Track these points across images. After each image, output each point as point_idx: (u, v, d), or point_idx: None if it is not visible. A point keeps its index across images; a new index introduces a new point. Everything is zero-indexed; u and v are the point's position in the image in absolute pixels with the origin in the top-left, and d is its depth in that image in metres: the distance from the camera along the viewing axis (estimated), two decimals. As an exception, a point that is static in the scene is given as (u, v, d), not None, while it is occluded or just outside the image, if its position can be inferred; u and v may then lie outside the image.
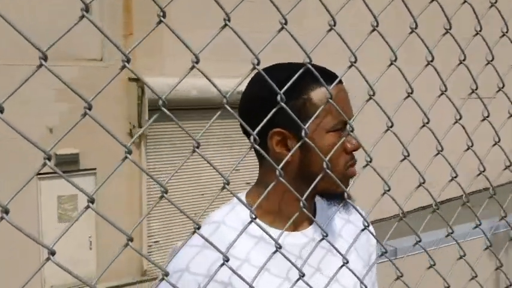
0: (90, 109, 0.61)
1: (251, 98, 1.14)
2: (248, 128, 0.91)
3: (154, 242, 5.00)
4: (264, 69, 0.96)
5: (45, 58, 0.55)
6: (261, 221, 1.09)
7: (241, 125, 1.02)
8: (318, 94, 1.08)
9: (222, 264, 0.89)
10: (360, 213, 1.15)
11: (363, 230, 1.13)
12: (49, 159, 0.58)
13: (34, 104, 3.96)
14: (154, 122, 4.70)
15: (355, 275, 1.10)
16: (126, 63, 0.66)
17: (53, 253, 0.64)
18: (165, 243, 4.99)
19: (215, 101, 4.76)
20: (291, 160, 1.06)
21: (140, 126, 4.69)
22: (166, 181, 0.77)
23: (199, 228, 0.84)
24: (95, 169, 4.47)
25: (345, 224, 1.27)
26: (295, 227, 1.15)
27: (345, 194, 1.10)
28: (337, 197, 1.14)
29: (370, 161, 1.10)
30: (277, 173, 0.95)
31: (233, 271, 0.90)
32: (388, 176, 1.13)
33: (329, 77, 1.05)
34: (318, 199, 1.23)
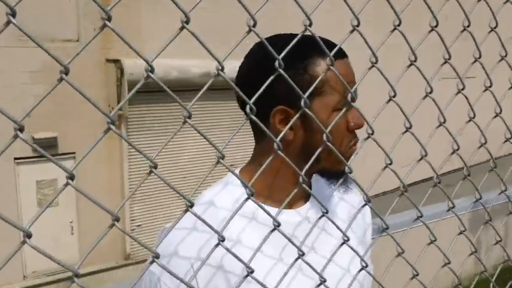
0: (66, 74, 0.58)
1: (249, 68, 1.07)
2: (244, 97, 0.84)
3: (137, 225, 4.98)
4: (265, 38, 0.88)
5: (13, 14, 0.51)
6: (255, 198, 1.01)
7: (237, 98, 0.99)
8: (323, 68, 1.01)
9: (217, 244, 0.83)
10: (362, 189, 1.08)
11: (364, 205, 1.09)
12: (21, 130, 0.55)
13: (10, 87, 3.90)
14: (135, 104, 4.67)
15: (354, 251, 1.07)
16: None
17: (29, 235, 0.62)
18: (147, 227, 4.99)
19: (195, 82, 4.73)
20: (293, 140, 1.05)
21: (120, 109, 4.64)
22: (154, 156, 0.74)
23: (192, 206, 0.78)
24: (74, 153, 4.43)
25: (339, 202, 1.24)
26: (289, 205, 1.10)
27: (346, 169, 1.03)
28: (338, 175, 1.10)
29: (372, 134, 1.05)
30: (275, 146, 0.88)
31: (228, 251, 0.83)
32: (390, 149, 1.10)
33: (337, 50, 0.98)
34: (313, 180, 1.21)
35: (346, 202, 1.25)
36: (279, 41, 0.98)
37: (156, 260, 0.76)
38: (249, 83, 0.97)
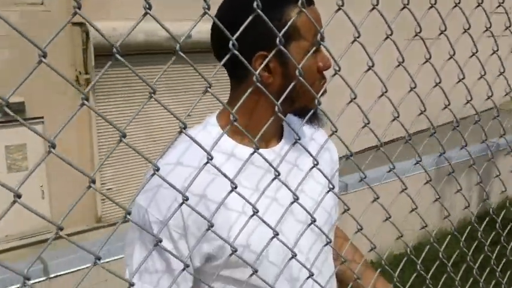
0: (45, 57, 0.58)
1: (229, 11, 1.14)
2: (227, 33, 0.90)
3: (108, 189, 4.97)
4: None
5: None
6: (231, 138, 1.20)
7: (213, 46, 1.14)
8: (297, 16, 1.10)
9: (195, 177, 0.94)
10: (331, 121, 1.17)
11: (330, 135, 1.19)
12: (8, 106, 0.56)
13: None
14: (102, 68, 4.58)
15: (323, 173, 1.17)
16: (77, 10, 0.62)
17: (19, 196, 0.64)
18: (118, 190, 4.97)
19: (163, 45, 4.67)
20: (272, 83, 1.14)
21: (87, 73, 4.56)
22: (124, 127, 0.76)
23: (158, 170, 0.87)
24: (42, 117, 4.36)
25: (309, 141, 1.33)
26: (264, 145, 1.21)
27: (316, 102, 1.14)
28: (311, 115, 1.19)
29: (355, 98, 1.14)
30: (254, 78, 0.97)
31: (219, 169, 0.94)
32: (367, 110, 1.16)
33: None
34: (285, 124, 1.30)
35: (315, 141, 1.35)
36: None
37: (138, 201, 1.00)
38: (229, 25, 0.97)
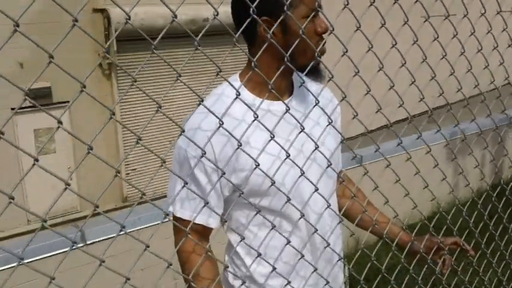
0: (84, 87, 0.59)
1: None
2: (248, 1, 1.11)
3: (132, 169, 5.02)
4: None
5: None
6: (251, 93, 1.41)
7: (232, 14, 1.36)
8: None
9: (220, 126, 1.16)
10: (328, 70, 1.37)
11: (328, 81, 1.38)
12: (28, 95, 0.57)
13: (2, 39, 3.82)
14: (124, 52, 4.62)
15: (325, 112, 1.42)
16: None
17: (11, 198, 0.66)
18: (142, 170, 5.03)
19: (181, 29, 4.65)
20: (278, 43, 1.27)
21: (108, 57, 4.59)
22: (141, 131, 0.78)
23: (202, 101, 1.11)
24: (67, 102, 4.41)
25: (315, 94, 1.48)
26: (277, 98, 1.36)
27: (320, 69, 1.40)
28: (313, 71, 1.40)
29: (331, 33, 1.36)
30: (264, 37, 1.24)
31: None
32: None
33: None
34: (294, 82, 1.52)
35: (322, 96, 1.49)
36: None
37: (183, 133, 1.13)
38: (241, 5, 1.23)
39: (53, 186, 4.04)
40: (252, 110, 1.22)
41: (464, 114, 1.93)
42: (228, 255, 1.56)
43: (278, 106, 1.38)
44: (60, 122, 0.67)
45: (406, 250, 1.67)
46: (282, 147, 1.28)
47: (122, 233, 0.92)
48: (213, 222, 1.42)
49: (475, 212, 2.00)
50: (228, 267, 1.50)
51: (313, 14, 1.33)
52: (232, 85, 1.21)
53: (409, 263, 1.66)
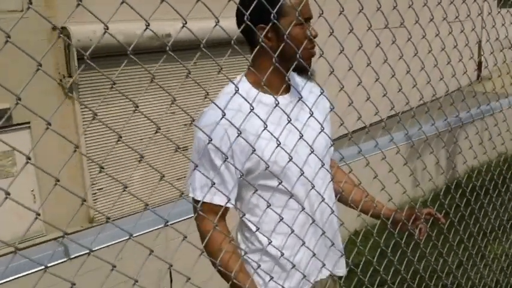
0: (41, 65, 0.57)
1: (245, 4, 1.52)
2: (243, 10, 1.42)
3: (98, 189, 4.93)
4: None
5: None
6: (256, 90, 1.66)
7: (237, 23, 1.64)
8: (287, 0, 1.59)
9: (223, 117, 1.45)
10: (317, 83, 1.81)
11: (321, 94, 1.81)
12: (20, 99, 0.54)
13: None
14: (84, 70, 4.54)
15: (313, 114, 1.70)
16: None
17: (38, 214, 0.62)
18: (109, 190, 4.94)
19: (142, 45, 4.63)
20: (271, 46, 1.59)
21: (70, 76, 4.51)
22: (103, 159, 0.75)
23: (206, 95, 1.36)
24: (28, 123, 4.31)
25: (309, 93, 1.83)
26: (278, 94, 1.68)
27: (309, 70, 1.68)
28: (304, 71, 1.70)
29: (315, 36, 1.67)
30: (259, 42, 1.49)
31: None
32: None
33: None
34: (291, 81, 1.78)
35: (313, 92, 1.84)
36: None
37: (202, 130, 1.45)
38: (244, 7, 1.49)
39: (16, 211, 3.93)
40: (248, 102, 1.49)
41: (426, 118, 2.32)
42: (240, 233, 1.82)
43: (280, 100, 1.62)
44: (28, 158, 0.65)
45: (391, 219, 2.00)
46: (273, 135, 1.56)
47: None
48: (231, 203, 1.65)
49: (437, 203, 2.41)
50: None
51: (300, 22, 1.60)
52: (234, 83, 1.48)
53: (394, 230, 2.03)
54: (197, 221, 1.66)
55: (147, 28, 0.93)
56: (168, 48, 1.01)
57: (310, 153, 1.69)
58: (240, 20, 1.63)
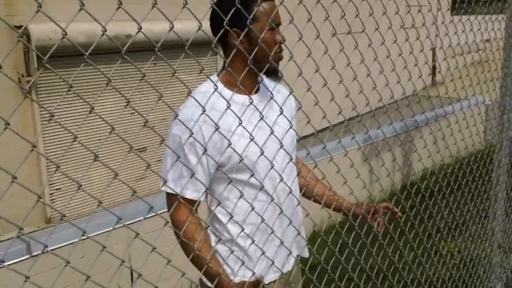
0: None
1: (220, 9, 1.56)
2: (223, 15, 1.47)
3: (56, 189, 4.84)
4: None
5: None
6: (229, 89, 1.78)
7: (211, 25, 1.75)
8: (262, 6, 1.71)
9: (203, 113, 1.54)
10: (288, 84, 1.86)
11: (289, 94, 1.95)
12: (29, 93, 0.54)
13: None
14: (45, 70, 4.46)
15: (283, 115, 1.82)
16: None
17: None
18: (67, 190, 4.85)
19: (103, 46, 4.55)
20: (244, 49, 1.68)
21: (29, 75, 4.42)
22: (59, 158, 0.75)
23: (189, 93, 1.58)
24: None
25: (277, 93, 1.93)
26: (249, 93, 1.78)
27: (278, 71, 1.82)
28: (272, 73, 1.81)
29: (284, 41, 1.85)
30: (237, 43, 1.64)
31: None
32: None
33: None
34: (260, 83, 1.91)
35: (281, 93, 1.97)
36: None
37: (177, 120, 1.55)
38: (217, 12, 1.52)
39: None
40: (226, 100, 1.59)
41: (384, 119, 2.45)
42: (211, 224, 1.90)
43: (249, 100, 1.72)
44: None
45: (351, 212, 2.13)
46: (246, 129, 1.65)
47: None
48: (200, 196, 1.76)
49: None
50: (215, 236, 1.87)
51: (270, 27, 1.73)
52: (213, 81, 1.57)
53: (355, 222, 2.14)
54: (170, 213, 1.74)
55: (103, 34, 0.93)
56: (123, 52, 1.00)
57: (278, 149, 1.80)
58: (214, 23, 1.75)
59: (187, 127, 1.57)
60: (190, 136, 1.64)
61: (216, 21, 1.70)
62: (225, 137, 1.64)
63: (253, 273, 1.77)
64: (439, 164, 3.60)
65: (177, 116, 1.63)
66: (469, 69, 3.33)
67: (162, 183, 1.74)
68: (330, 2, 1.81)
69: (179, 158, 1.65)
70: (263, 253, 1.80)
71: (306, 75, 1.71)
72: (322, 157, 2.05)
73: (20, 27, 4.37)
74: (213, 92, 1.57)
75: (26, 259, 2.87)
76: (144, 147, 5.25)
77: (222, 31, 1.57)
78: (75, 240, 3.01)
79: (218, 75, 1.86)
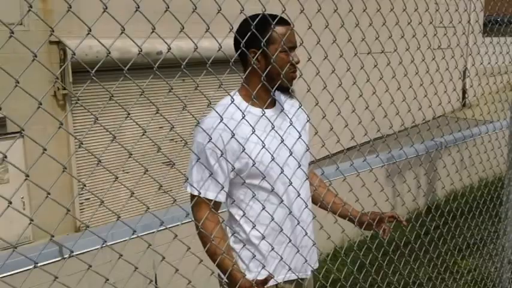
0: (19, 82, 0.61)
1: (241, 30, 1.84)
2: (240, 39, 1.75)
3: (86, 199, 4.93)
4: (248, 17, 1.79)
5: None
6: (246, 103, 1.92)
7: (234, 45, 1.91)
8: (277, 30, 1.86)
9: (220, 122, 1.73)
10: (297, 99, 2.10)
11: (299, 107, 2.09)
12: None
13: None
14: (79, 84, 4.57)
15: (294, 128, 1.97)
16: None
17: (31, 220, 0.65)
18: (95, 200, 4.94)
19: (135, 62, 4.63)
20: (260, 67, 1.88)
21: (64, 88, 4.54)
22: (100, 154, 0.81)
23: (209, 104, 1.68)
24: (22, 131, 4.32)
25: (291, 107, 2.09)
26: (265, 107, 1.92)
27: (290, 89, 1.99)
28: (285, 90, 1.99)
29: (298, 63, 1.95)
30: (251, 63, 1.82)
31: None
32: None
33: (283, 20, 1.90)
34: (276, 98, 2.05)
35: (294, 107, 2.10)
36: (255, 17, 1.80)
37: (200, 130, 1.81)
38: (240, 34, 1.78)
39: (6, 217, 3.93)
40: (241, 111, 1.76)
41: (406, 141, 2.50)
42: (229, 225, 2.04)
43: (266, 112, 1.90)
44: (27, 175, 0.69)
45: (357, 219, 2.22)
46: (260, 138, 1.82)
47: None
48: (221, 197, 1.92)
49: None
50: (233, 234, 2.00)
51: (284, 49, 1.87)
52: (231, 95, 1.85)
53: (360, 228, 2.23)
54: (193, 211, 1.91)
55: (139, 53, 0.97)
56: (155, 68, 1.05)
57: (288, 156, 1.95)
58: (236, 43, 1.89)
59: (208, 135, 1.75)
60: (209, 141, 1.80)
61: (238, 41, 1.83)
62: (240, 144, 1.82)
63: (260, 271, 1.94)
64: (461, 185, 3.57)
65: (200, 124, 1.84)
66: (500, 91, 3.32)
67: (187, 185, 1.89)
68: (353, 24, 1.92)
69: (198, 160, 1.85)
70: (272, 249, 1.94)
71: (336, 101, 1.92)
72: (347, 174, 2.16)
73: (57, 42, 4.50)
74: (230, 104, 1.80)
75: (56, 261, 2.98)
76: (170, 162, 5.31)
77: (239, 50, 1.81)
78: (96, 247, 3.08)
79: (238, 90, 2.02)
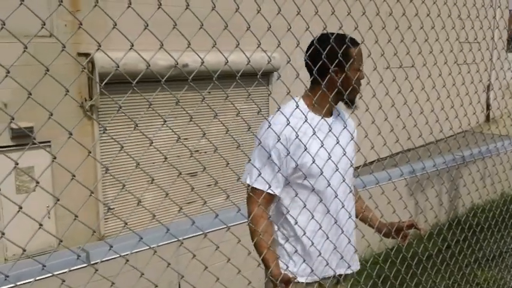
0: (48, 69, 0.59)
1: (317, 51, 2.01)
2: (309, 62, 2.05)
3: (110, 209, 4.95)
4: (322, 35, 2.09)
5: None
6: (308, 108, 2.10)
7: (308, 65, 2.09)
8: (352, 51, 2.07)
9: (287, 125, 1.96)
10: (347, 113, 2.30)
11: (348, 118, 2.33)
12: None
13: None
14: (106, 95, 4.61)
15: (349, 138, 2.23)
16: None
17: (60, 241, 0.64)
18: (120, 209, 4.96)
19: (162, 74, 4.65)
20: (335, 81, 2.05)
21: (91, 99, 4.58)
22: (126, 179, 0.78)
23: (278, 108, 2.02)
24: (49, 141, 4.36)
25: (348, 118, 2.30)
26: (324, 116, 2.11)
27: (354, 101, 2.17)
28: (351, 102, 2.15)
29: (365, 83, 2.16)
30: (333, 81, 2.06)
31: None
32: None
33: (354, 41, 2.10)
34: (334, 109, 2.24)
35: (349, 119, 2.30)
36: (330, 36, 2.05)
37: (270, 126, 1.98)
38: (317, 56, 2.01)
39: (32, 223, 3.95)
40: (304, 115, 2.00)
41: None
42: (277, 221, 2.14)
43: (326, 120, 2.11)
44: (37, 182, 0.66)
45: (376, 226, 2.35)
46: (320, 140, 2.02)
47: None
48: (279, 191, 2.07)
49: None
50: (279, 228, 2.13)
51: (360, 68, 2.10)
52: (295, 101, 2.08)
53: (379, 234, 2.36)
54: (247, 203, 2.07)
55: (175, 65, 0.96)
56: (189, 80, 1.06)
57: (338, 161, 2.11)
58: (315, 60, 2.04)
59: (277, 135, 1.93)
60: (278, 141, 1.96)
61: (317, 58, 2.03)
62: (303, 143, 1.98)
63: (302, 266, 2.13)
64: (486, 198, 3.52)
65: (269, 123, 1.98)
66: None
67: (246, 178, 2.06)
68: (386, 40, 2.09)
69: (269, 157, 2.01)
70: (312, 244, 2.08)
71: (371, 110, 2.10)
72: (379, 183, 2.35)
73: (86, 54, 4.55)
74: (295, 109, 1.98)
75: (83, 267, 3.03)
76: (195, 172, 5.31)
77: (316, 66, 2.01)
78: (118, 255, 3.09)
79: (303, 97, 2.18)
